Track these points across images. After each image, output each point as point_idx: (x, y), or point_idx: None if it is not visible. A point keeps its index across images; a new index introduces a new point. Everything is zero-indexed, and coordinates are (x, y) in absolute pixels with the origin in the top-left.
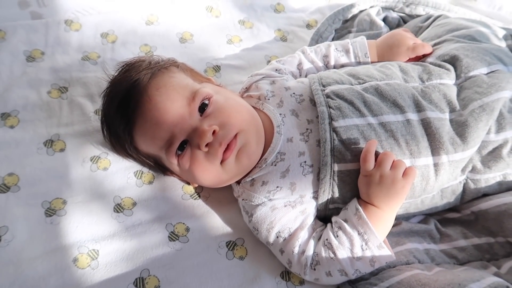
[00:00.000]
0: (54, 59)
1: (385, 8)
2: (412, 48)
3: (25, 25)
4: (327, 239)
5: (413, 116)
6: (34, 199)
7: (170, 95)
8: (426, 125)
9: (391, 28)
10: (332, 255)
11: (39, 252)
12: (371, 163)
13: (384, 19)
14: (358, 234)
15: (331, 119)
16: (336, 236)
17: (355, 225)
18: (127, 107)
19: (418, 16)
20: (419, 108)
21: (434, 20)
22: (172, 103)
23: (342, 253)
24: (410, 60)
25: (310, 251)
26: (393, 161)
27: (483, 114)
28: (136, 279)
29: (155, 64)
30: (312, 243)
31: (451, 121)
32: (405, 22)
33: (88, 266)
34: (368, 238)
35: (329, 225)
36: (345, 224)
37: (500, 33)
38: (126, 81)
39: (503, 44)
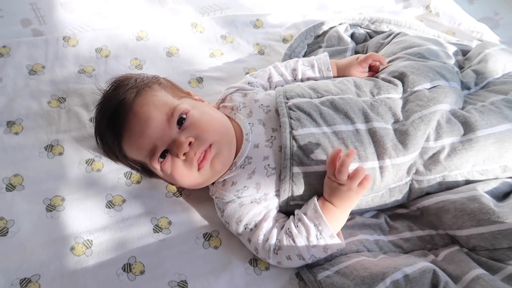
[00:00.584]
0: (53, 72)
1: (352, 25)
2: (362, 59)
3: (27, 42)
4: (288, 228)
5: (361, 126)
6: (36, 197)
7: (152, 112)
8: (373, 133)
9: (358, 43)
10: (291, 242)
11: (41, 242)
12: (331, 170)
13: (352, 35)
14: (314, 225)
15: (291, 128)
16: (296, 226)
17: (312, 218)
18: (115, 123)
19: (382, 32)
20: (367, 119)
21: (394, 37)
22: (154, 119)
23: (300, 240)
24: (368, 74)
25: (273, 239)
26: (353, 172)
27: (421, 124)
28: (124, 265)
29: (140, 81)
30: (275, 231)
31: (395, 130)
32: (371, 37)
33: (83, 254)
34: (322, 229)
35: (291, 217)
36: (304, 217)
37: (450, 50)
38: (115, 99)
39: (451, 60)
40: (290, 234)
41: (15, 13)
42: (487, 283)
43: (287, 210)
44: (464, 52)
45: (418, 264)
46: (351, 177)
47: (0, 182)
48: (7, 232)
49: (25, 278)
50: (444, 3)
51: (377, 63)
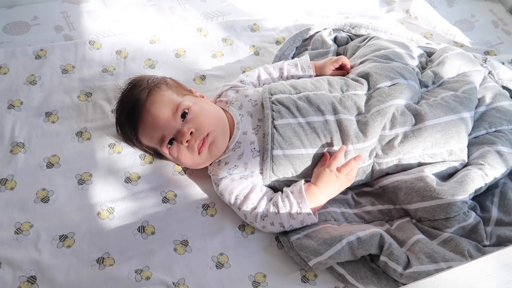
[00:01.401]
0: (81, 72)
1: (336, 30)
2: (334, 60)
3: (60, 45)
4: (275, 201)
5: (330, 117)
6: (70, 173)
7: (161, 108)
8: (339, 124)
9: (340, 45)
10: (276, 212)
11: (74, 208)
12: (334, 163)
13: (335, 38)
14: (297, 203)
15: (273, 119)
16: (283, 201)
17: (296, 197)
18: (132, 118)
19: (361, 35)
20: (335, 111)
21: (368, 41)
22: (162, 114)
23: (283, 212)
24: (338, 74)
25: (261, 208)
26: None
27: (378, 116)
28: (139, 227)
29: (151, 82)
30: (264, 202)
31: (357, 121)
32: (352, 39)
33: (107, 218)
34: (302, 207)
35: (279, 192)
36: (291, 195)
37: (416, 52)
38: (131, 98)
39: (415, 62)
40: (276, 206)
41: (49, 21)
42: (424, 245)
43: (269, 185)
44: (430, 54)
45: (370, 230)
46: (347, 174)
47: (41, 161)
48: (48, 199)
49: (63, 235)
50: (422, 7)
51: (347, 65)
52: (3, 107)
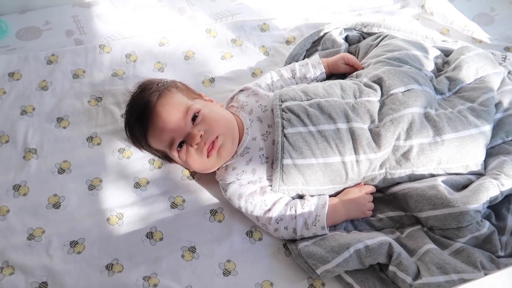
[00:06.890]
0: (92, 76)
1: (346, 29)
2: (346, 59)
3: (71, 50)
4: (294, 207)
5: (342, 125)
6: (81, 178)
7: (171, 111)
8: (352, 132)
9: (352, 44)
10: (293, 217)
11: (85, 214)
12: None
13: (346, 37)
14: (316, 215)
15: (283, 127)
16: (302, 208)
17: (317, 209)
18: (142, 120)
19: (374, 33)
20: (348, 119)
21: (382, 39)
22: (173, 117)
23: (300, 219)
24: (351, 70)
25: (276, 211)
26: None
27: (391, 126)
28: (148, 232)
29: (161, 85)
30: (280, 205)
31: (370, 130)
32: (364, 38)
33: (116, 224)
34: (319, 220)
35: (299, 199)
36: (313, 206)
37: (432, 54)
38: (142, 101)
39: (430, 65)
40: (294, 211)
41: (60, 26)
42: (434, 255)
43: (278, 191)
44: (447, 53)
45: (378, 238)
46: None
47: (53, 166)
48: (59, 205)
49: (73, 240)
50: (438, 2)
51: (355, 65)
52: (16, 113)
